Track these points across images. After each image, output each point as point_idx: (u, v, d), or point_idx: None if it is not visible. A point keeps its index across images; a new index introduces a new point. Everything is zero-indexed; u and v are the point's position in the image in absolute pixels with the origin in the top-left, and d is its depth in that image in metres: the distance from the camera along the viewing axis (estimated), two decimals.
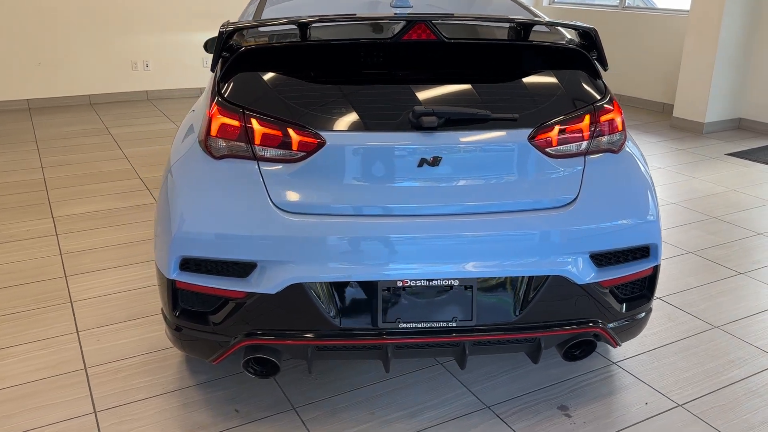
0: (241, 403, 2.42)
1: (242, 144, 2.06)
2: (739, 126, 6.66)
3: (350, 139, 2.01)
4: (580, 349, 2.27)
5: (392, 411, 2.38)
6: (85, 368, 2.63)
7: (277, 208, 2.02)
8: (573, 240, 2.07)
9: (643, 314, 2.31)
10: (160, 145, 5.94)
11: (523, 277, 2.08)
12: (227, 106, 2.09)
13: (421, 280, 2.04)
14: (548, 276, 2.07)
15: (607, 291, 2.18)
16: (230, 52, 2.22)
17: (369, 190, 2.03)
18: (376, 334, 2.07)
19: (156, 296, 3.18)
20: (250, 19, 2.63)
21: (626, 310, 2.25)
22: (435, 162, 2.02)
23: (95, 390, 2.49)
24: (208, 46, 4.18)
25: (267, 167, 2.05)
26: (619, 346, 2.35)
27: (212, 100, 2.15)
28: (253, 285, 2.04)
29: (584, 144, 2.13)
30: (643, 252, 2.22)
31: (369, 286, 2.06)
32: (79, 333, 2.88)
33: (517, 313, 2.10)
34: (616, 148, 2.20)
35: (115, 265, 3.53)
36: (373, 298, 2.06)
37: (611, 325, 2.22)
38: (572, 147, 2.12)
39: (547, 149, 2.08)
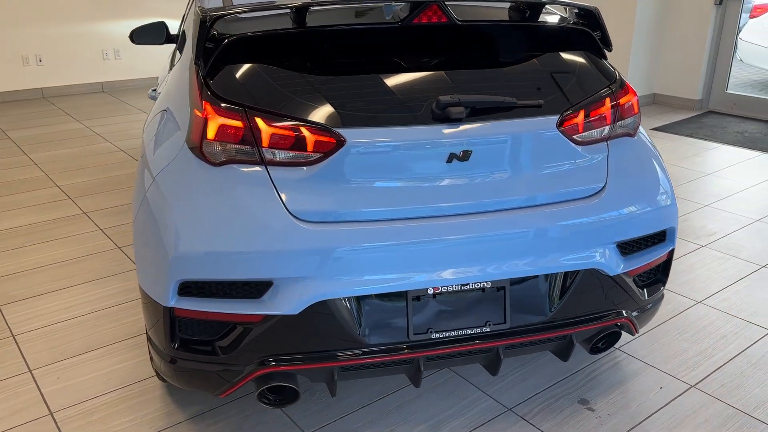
0: None
1: (247, 147, 1.81)
2: (653, 101, 6.94)
3: (372, 136, 1.81)
4: (604, 341, 2.20)
5: (412, 425, 2.22)
6: (51, 413, 2.28)
7: (294, 217, 1.79)
8: (604, 230, 1.98)
9: (659, 299, 2.27)
10: (71, 147, 5.39)
11: (556, 273, 1.97)
12: (224, 104, 1.82)
13: (452, 285, 1.89)
14: (580, 270, 1.98)
15: (632, 279, 2.11)
16: (214, 42, 1.95)
17: (396, 192, 1.84)
18: (407, 348, 1.90)
19: (112, 322, 2.83)
20: (218, 5, 2.34)
21: (647, 296, 2.20)
22: (465, 156, 1.86)
23: None
24: (135, 35, 3.79)
25: (278, 172, 1.81)
26: (638, 333, 2.30)
27: (201, 98, 1.87)
28: (269, 306, 1.81)
29: (606, 129, 2.04)
30: (661, 236, 2.17)
31: (398, 297, 1.88)
32: (33, 372, 2.50)
33: (550, 311, 2.00)
34: (633, 132, 2.13)
35: (54, 288, 3.12)
36: (402, 309, 1.88)
37: (634, 313, 2.17)
38: (596, 133, 2.02)
39: (574, 136, 1.98)
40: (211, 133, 1.82)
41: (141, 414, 2.27)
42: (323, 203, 1.81)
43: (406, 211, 1.84)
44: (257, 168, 1.82)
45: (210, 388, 1.98)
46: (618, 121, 2.06)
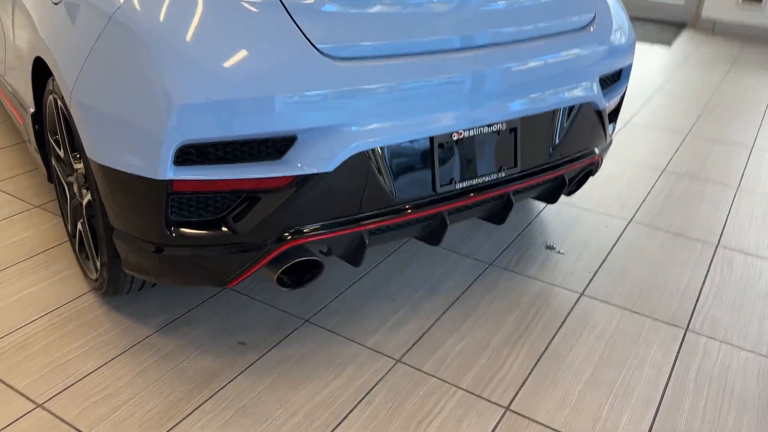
0: (239, 334, 1.88)
1: None
2: None
3: None
4: (577, 182, 2.25)
5: (409, 293, 2.10)
6: None
7: (321, 53, 1.49)
8: (595, 62, 1.98)
9: (611, 142, 2.37)
10: None
11: (556, 110, 1.93)
12: None
13: (473, 128, 1.76)
14: (575, 106, 1.97)
15: (606, 117, 2.16)
16: None
17: (421, 21, 1.62)
18: (435, 202, 1.75)
19: None
20: None
21: (609, 135, 2.28)
22: None
23: (10, 379, 1.67)
24: None
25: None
26: (597, 173, 2.39)
27: None
28: (298, 166, 1.52)
29: None
30: (619, 75, 2.24)
31: (424, 146, 1.70)
32: None
33: (551, 151, 1.97)
34: None
35: None
36: (429, 160, 1.71)
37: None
38: None
39: None
40: None
41: (91, 336, 1.83)
42: (352, 36, 1.53)
43: (437, 43, 1.64)
44: None
45: (213, 279, 1.64)
46: None
